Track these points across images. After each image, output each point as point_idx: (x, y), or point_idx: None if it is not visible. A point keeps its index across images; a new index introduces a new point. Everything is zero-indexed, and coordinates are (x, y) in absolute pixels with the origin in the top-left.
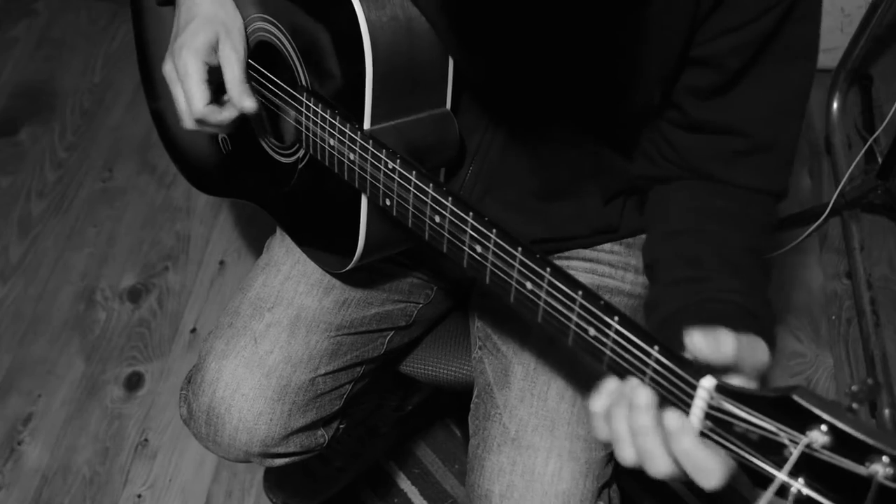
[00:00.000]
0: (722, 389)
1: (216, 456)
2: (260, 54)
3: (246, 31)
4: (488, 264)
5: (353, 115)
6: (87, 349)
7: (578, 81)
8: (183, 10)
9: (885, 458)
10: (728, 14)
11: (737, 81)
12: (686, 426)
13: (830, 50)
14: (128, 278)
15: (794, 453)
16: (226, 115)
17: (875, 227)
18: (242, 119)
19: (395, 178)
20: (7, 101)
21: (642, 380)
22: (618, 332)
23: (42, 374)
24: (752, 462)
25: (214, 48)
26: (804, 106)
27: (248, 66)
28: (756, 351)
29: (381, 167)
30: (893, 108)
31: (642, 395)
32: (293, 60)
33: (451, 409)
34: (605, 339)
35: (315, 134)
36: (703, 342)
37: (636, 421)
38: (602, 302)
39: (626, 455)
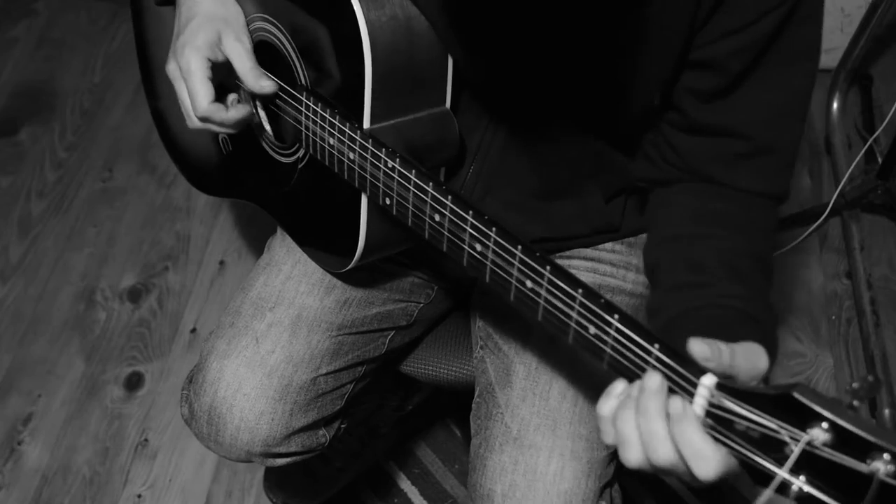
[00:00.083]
0: (723, 387)
1: (216, 456)
2: (260, 54)
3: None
4: (488, 262)
5: (352, 114)
6: (87, 349)
7: (578, 80)
8: (184, 10)
9: (885, 456)
10: (729, 16)
11: (738, 84)
12: (688, 411)
13: (830, 50)
14: (128, 278)
15: (795, 451)
16: (232, 114)
17: (875, 227)
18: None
19: (395, 177)
20: (7, 101)
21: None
22: (618, 331)
23: (42, 374)
24: (753, 460)
25: (217, 45)
26: (806, 108)
27: None
28: (754, 359)
29: (381, 166)
30: (893, 108)
31: (655, 378)
32: (293, 60)
33: (452, 409)
34: (605, 338)
35: (315, 133)
36: (700, 353)
37: (644, 403)
38: (602, 300)
39: (632, 457)
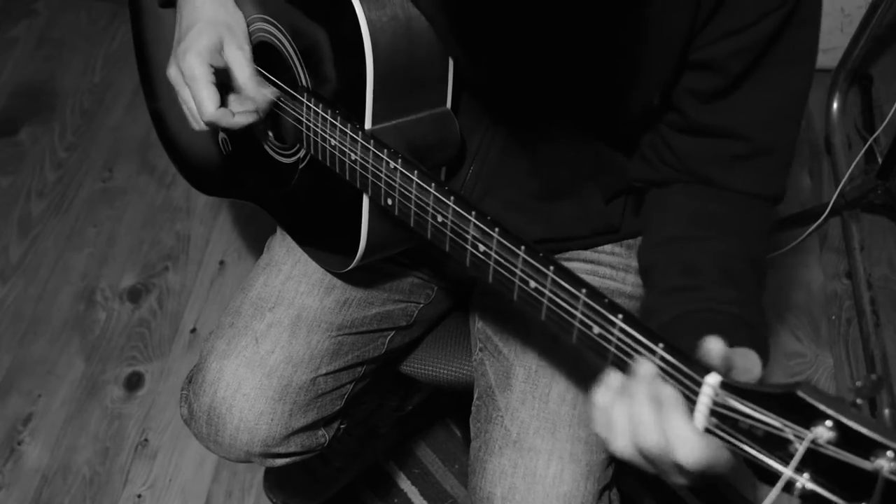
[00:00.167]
0: (727, 386)
1: (216, 456)
2: (260, 55)
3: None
4: (491, 262)
5: (353, 115)
6: (87, 349)
7: (578, 81)
8: (185, 14)
9: (889, 453)
10: (729, 17)
11: (738, 85)
12: (677, 398)
13: (830, 50)
14: (128, 278)
15: (800, 449)
16: (239, 119)
17: (875, 227)
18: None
19: (397, 177)
20: (7, 101)
21: None
22: (622, 330)
23: (42, 374)
24: (757, 458)
25: (219, 51)
26: (803, 109)
27: None
28: (749, 364)
29: (383, 167)
30: (893, 108)
31: (646, 366)
32: (293, 61)
33: (451, 409)
34: (609, 337)
35: (316, 134)
36: (717, 351)
37: (634, 389)
38: (606, 300)
39: (620, 443)
